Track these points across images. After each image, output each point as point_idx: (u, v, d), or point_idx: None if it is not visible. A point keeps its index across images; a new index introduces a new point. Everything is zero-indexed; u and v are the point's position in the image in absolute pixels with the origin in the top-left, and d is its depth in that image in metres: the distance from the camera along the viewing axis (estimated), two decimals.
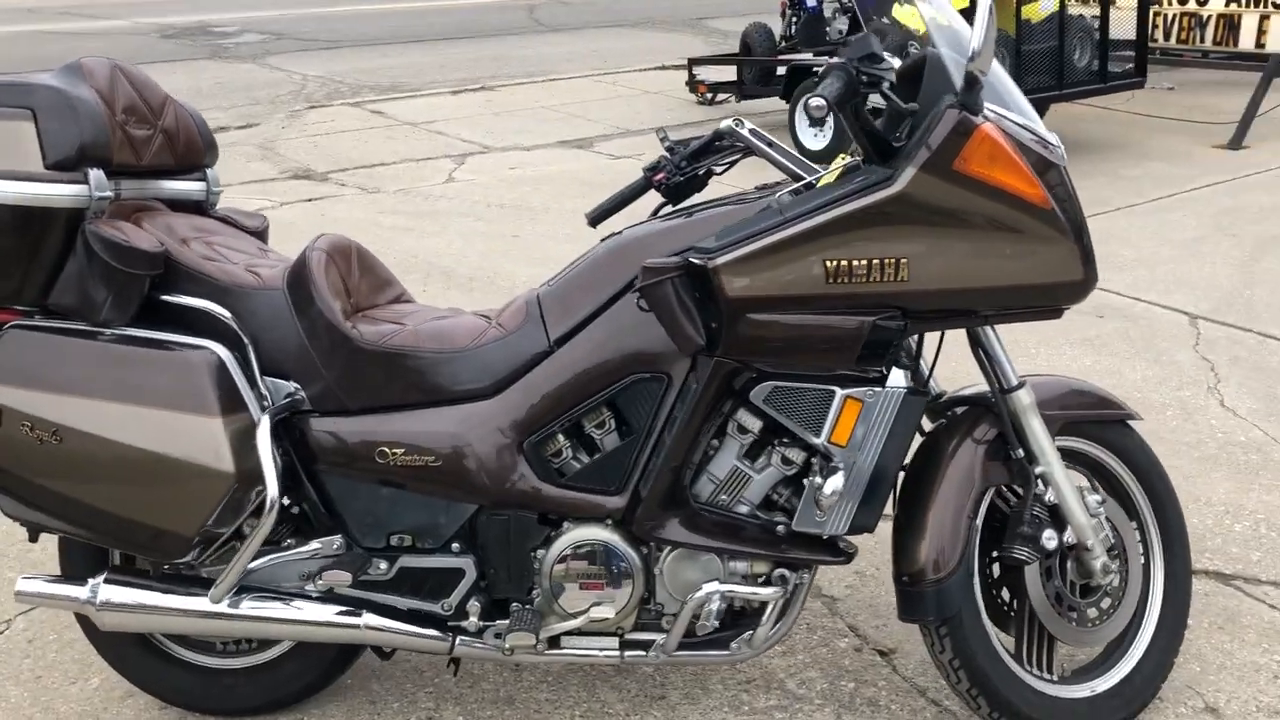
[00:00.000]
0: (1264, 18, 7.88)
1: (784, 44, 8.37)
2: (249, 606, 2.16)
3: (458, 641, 2.20)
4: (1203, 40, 8.29)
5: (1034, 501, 2.18)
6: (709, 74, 8.84)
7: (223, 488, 2.01)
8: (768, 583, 2.16)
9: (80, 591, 2.18)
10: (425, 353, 2.14)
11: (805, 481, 2.11)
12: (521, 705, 2.44)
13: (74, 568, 2.29)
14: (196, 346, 2.05)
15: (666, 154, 2.36)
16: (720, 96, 8.74)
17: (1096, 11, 7.28)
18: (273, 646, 2.36)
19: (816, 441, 2.06)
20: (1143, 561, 2.36)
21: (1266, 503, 3.17)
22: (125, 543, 2.12)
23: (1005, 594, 2.33)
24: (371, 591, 2.20)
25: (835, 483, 2.03)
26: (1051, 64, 6.87)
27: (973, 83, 1.90)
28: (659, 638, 2.20)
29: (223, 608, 2.15)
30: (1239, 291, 4.83)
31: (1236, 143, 7.41)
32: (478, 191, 6.74)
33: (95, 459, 2.02)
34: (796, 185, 2.13)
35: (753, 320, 1.97)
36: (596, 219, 2.40)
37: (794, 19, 8.51)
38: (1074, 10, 7.10)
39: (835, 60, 1.94)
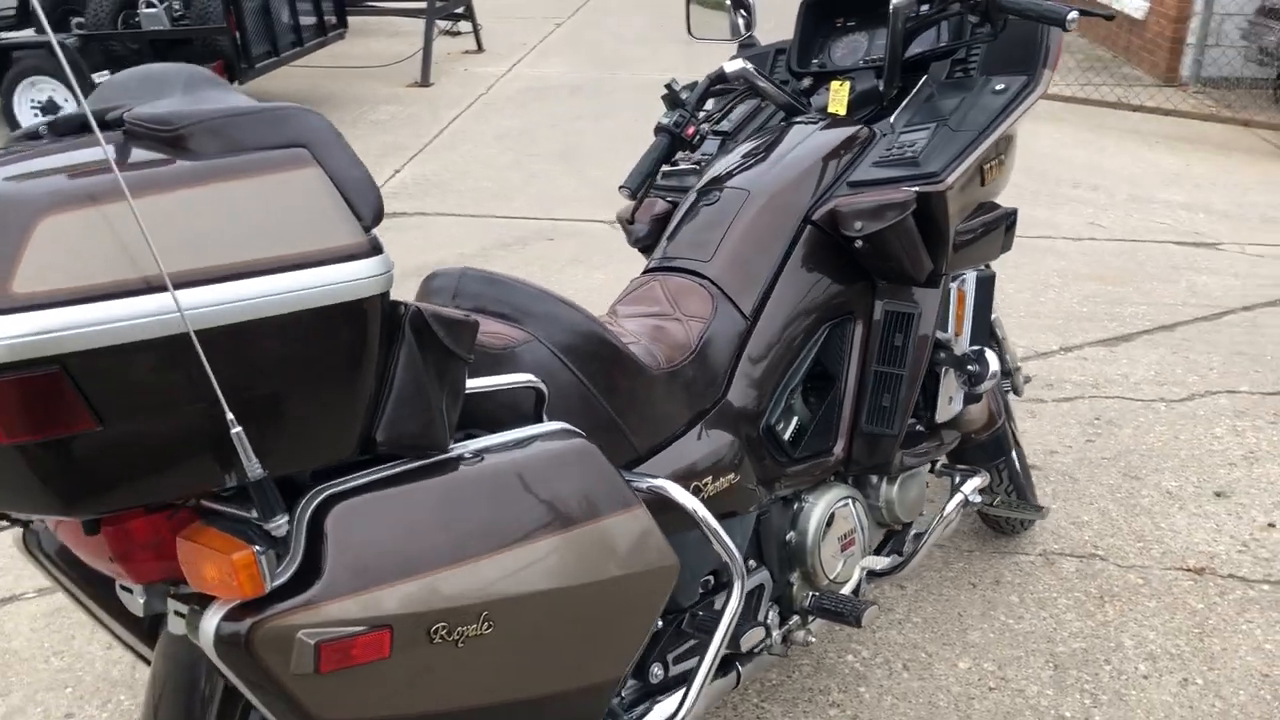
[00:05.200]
0: None
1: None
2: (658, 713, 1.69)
3: (737, 665, 1.94)
4: None
5: None
6: None
7: (668, 585, 1.52)
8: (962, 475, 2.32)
9: None
10: (685, 366, 1.81)
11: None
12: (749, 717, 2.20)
13: None
14: (552, 434, 1.46)
15: (682, 108, 2.20)
16: None
17: None
18: None
19: (945, 336, 2.23)
20: None
21: None
22: None
23: None
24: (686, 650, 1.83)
25: (995, 362, 2.21)
26: (288, 23, 6.76)
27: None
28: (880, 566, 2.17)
29: None
30: (576, 190, 5.56)
31: (425, 79, 8.11)
32: None
33: (537, 628, 1.35)
34: (814, 116, 2.21)
35: (958, 231, 2.06)
36: (638, 187, 2.15)
37: None
38: None
39: None
